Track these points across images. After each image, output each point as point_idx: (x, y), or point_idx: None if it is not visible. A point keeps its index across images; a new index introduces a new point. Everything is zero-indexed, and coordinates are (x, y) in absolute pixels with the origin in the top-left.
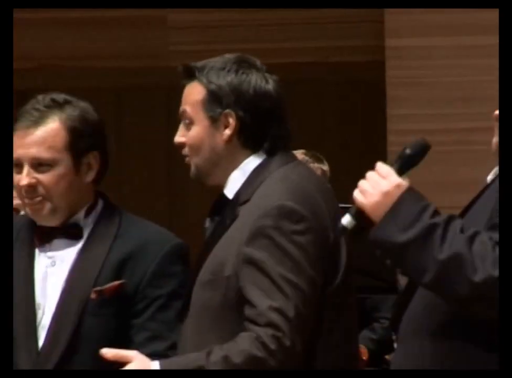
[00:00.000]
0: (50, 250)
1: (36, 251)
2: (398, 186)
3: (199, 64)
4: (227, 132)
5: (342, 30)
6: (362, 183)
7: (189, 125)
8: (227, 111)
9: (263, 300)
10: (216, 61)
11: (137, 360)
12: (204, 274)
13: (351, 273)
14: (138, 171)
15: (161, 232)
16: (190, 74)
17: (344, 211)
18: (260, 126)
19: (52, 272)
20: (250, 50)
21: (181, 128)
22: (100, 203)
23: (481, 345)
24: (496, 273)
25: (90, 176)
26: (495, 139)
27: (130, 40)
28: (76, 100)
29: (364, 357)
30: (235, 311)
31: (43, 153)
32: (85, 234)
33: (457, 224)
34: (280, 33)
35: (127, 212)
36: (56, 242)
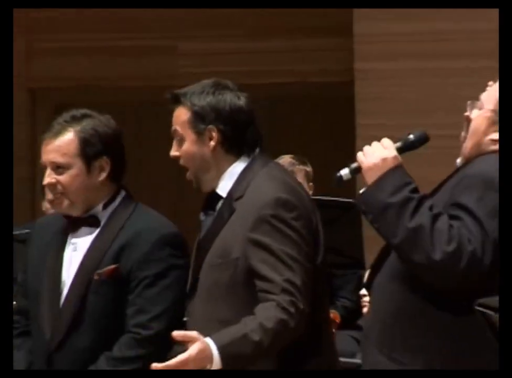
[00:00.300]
0: (74, 237)
1: (68, 238)
2: (395, 157)
3: (182, 91)
4: (212, 143)
5: (320, 56)
6: (366, 147)
7: (180, 141)
8: (210, 126)
9: (274, 274)
10: (196, 86)
11: (200, 340)
12: (212, 258)
13: (326, 252)
14: (156, 170)
15: (158, 222)
16: (176, 100)
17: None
18: (238, 135)
19: (74, 255)
20: (244, 72)
21: (175, 144)
22: (119, 197)
23: (438, 303)
24: (449, 249)
25: (102, 176)
26: (463, 133)
27: (149, 65)
28: (96, 114)
29: (337, 320)
30: (242, 286)
31: (59, 158)
32: (101, 224)
33: (428, 202)
34: (269, 59)
35: (143, 205)
36: (80, 230)
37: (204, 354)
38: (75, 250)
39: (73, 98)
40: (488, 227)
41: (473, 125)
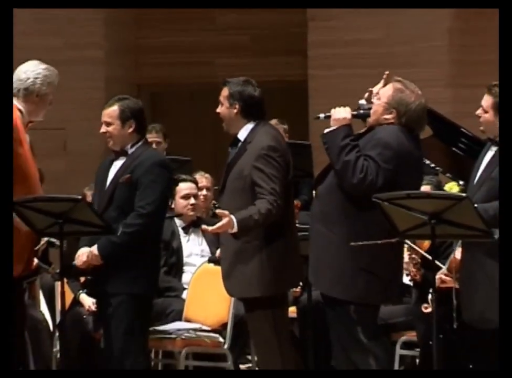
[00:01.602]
0: (115, 161)
1: (113, 162)
2: (349, 119)
3: (229, 80)
4: (235, 111)
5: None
6: (337, 108)
7: (221, 106)
8: (235, 101)
9: (265, 184)
10: (237, 79)
11: (229, 216)
12: (233, 174)
13: (293, 170)
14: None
15: (155, 155)
16: (224, 84)
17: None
18: (248, 110)
19: (112, 170)
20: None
21: (220, 106)
22: (140, 143)
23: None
24: (361, 175)
25: (130, 130)
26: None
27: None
28: (131, 97)
29: (299, 205)
30: (248, 190)
31: (108, 119)
32: (128, 155)
33: (357, 148)
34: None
35: (151, 147)
36: (119, 158)
37: (230, 223)
38: (114, 168)
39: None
40: (382, 167)
41: (374, 108)
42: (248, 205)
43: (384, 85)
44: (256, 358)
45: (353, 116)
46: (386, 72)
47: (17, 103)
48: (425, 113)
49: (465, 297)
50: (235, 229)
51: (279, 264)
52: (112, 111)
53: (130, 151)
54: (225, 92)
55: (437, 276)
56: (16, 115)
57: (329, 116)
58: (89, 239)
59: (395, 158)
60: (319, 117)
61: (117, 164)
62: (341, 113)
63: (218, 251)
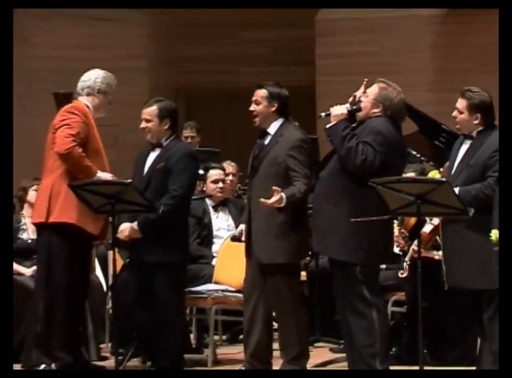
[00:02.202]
0: (152, 152)
1: (150, 153)
2: (345, 114)
3: (265, 83)
4: (273, 108)
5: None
6: (335, 106)
7: (258, 104)
8: (274, 101)
9: (299, 169)
10: (271, 82)
11: (281, 193)
12: (267, 161)
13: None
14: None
15: (185, 147)
16: (260, 86)
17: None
18: (283, 108)
19: (149, 160)
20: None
21: (254, 105)
22: (173, 137)
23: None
24: (362, 158)
25: (166, 127)
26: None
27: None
28: (166, 99)
29: None
30: (282, 175)
31: (147, 116)
32: (163, 147)
33: (355, 137)
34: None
35: (181, 140)
36: (155, 150)
37: (281, 199)
38: (151, 159)
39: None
40: (378, 150)
41: (363, 104)
42: (280, 186)
43: (364, 90)
44: (274, 314)
45: (348, 111)
46: (365, 79)
47: (83, 100)
48: (404, 106)
49: (450, 265)
50: (283, 204)
51: (300, 237)
52: (151, 110)
53: (164, 144)
54: (262, 93)
55: (411, 248)
56: (84, 107)
57: (329, 114)
58: (128, 216)
59: (387, 143)
60: (320, 116)
61: (153, 155)
62: (339, 110)
63: (238, 229)
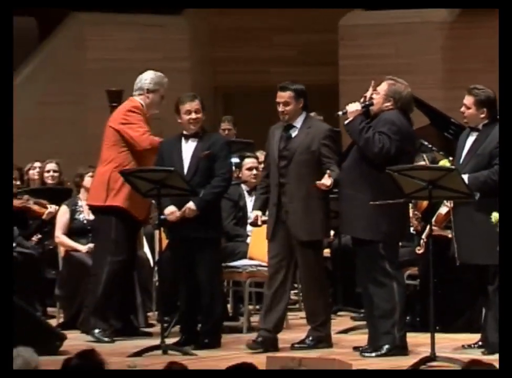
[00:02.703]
0: (187, 141)
1: (183, 144)
2: (360, 110)
3: (285, 84)
4: (300, 105)
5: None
6: (350, 104)
7: (288, 104)
8: (300, 98)
9: (332, 156)
10: (290, 82)
11: (328, 174)
12: (300, 151)
13: None
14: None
15: (221, 137)
16: (283, 88)
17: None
18: (306, 104)
19: (190, 150)
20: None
21: (283, 106)
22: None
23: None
24: (379, 146)
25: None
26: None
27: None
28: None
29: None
30: (315, 162)
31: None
32: (200, 136)
33: (371, 128)
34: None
35: (215, 133)
36: (191, 139)
37: (330, 180)
38: (188, 146)
39: None
40: (393, 138)
41: (376, 100)
42: (313, 172)
43: (373, 90)
44: (301, 286)
45: (362, 107)
46: (373, 81)
47: (138, 99)
48: (412, 98)
49: (460, 243)
50: (329, 181)
51: (328, 217)
52: (287, 93)
53: (201, 134)
54: (289, 94)
55: (427, 227)
56: (139, 105)
57: (345, 113)
58: (171, 199)
59: (400, 132)
60: (338, 114)
61: (192, 144)
62: (354, 107)
63: (252, 216)
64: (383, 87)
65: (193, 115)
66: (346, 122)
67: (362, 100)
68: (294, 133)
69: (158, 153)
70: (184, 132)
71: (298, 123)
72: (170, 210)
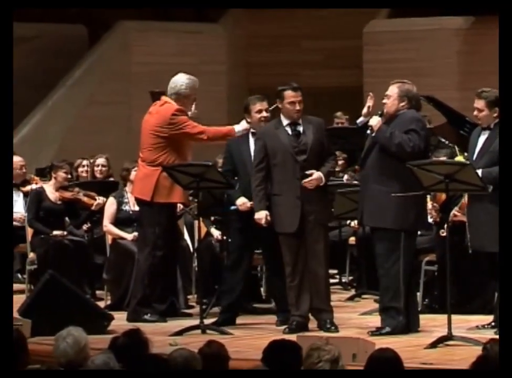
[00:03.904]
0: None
1: (251, 141)
2: (380, 121)
3: (297, 86)
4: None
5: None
6: (371, 119)
7: (302, 102)
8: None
9: (329, 148)
10: (296, 84)
11: (317, 173)
12: (313, 144)
13: None
14: None
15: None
16: (300, 89)
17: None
18: None
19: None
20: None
21: (301, 104)
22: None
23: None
24: (411, 144)
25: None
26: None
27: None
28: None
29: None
30: (324, 153)
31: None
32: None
33: (396, 132)
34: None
35: None
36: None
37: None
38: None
39: None
40: (421, 134)
41: (390, 103)
42: (323, 161)
43: (371, 102)
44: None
45: (379, 116)
46: (370, 93)
47: (173, 102)
48: (419, 95)
49: (473, 232)
50: (322, 181)
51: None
52: (266, 104)
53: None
54: (301, 95)
55: (451, 212)
56: (180, 108)
57: (364, 123)
58: (239, 190)
59: (424, 128)
60: (357, 123)
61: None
62: (375, 120)
63: (261, 217)
64: (393, 90)
65: (264, 113)
66: (373, 134)
67: (365, 110)
68: (300, 129)
69: (226, 151)
70: (252, 130)
71: (300, 119)
72: (242, 201)
